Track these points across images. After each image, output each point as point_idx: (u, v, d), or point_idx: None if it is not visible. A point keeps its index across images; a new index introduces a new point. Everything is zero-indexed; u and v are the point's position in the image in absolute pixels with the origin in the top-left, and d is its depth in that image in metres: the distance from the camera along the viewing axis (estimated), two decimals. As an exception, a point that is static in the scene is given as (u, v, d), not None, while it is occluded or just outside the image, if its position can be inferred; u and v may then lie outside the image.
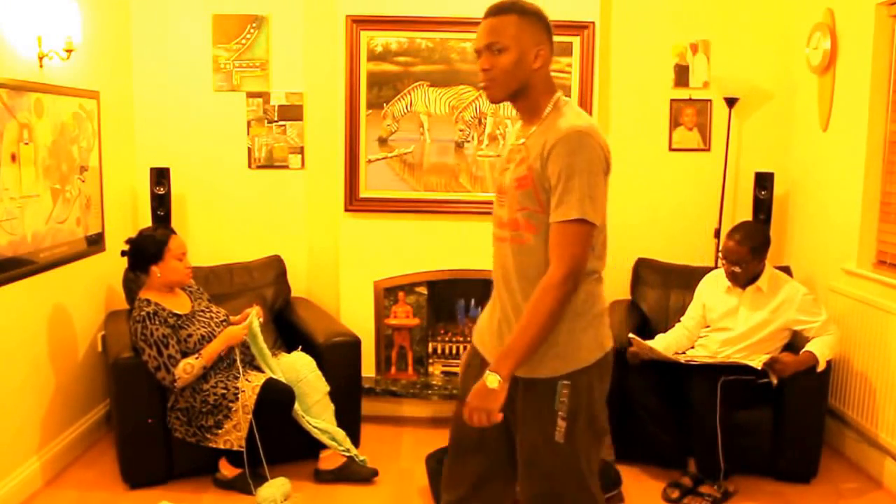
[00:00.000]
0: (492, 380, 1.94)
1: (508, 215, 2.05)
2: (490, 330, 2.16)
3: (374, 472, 3.45)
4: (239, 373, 3.34)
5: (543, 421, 2.03)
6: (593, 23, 4.06)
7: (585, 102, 4.07)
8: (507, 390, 1.95)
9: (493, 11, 2.02)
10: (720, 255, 3.61)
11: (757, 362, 3.35)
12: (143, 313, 3.26)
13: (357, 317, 4.18)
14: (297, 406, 3.35)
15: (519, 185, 2.01)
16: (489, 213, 2.19)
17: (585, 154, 1.93)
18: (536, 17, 2.02)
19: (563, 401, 2.02)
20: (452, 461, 2.28)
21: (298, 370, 3.48)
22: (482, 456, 2.21)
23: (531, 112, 2.06)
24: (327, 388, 3.51)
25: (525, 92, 2.03)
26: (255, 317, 3.43)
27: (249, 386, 3.26)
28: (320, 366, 3.55)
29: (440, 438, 2.76)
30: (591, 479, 2.11)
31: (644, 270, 4.25)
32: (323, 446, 3.43)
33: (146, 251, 3.36)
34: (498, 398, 1.95)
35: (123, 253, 3.43)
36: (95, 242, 3.85)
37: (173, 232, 3.50)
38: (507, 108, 4.07)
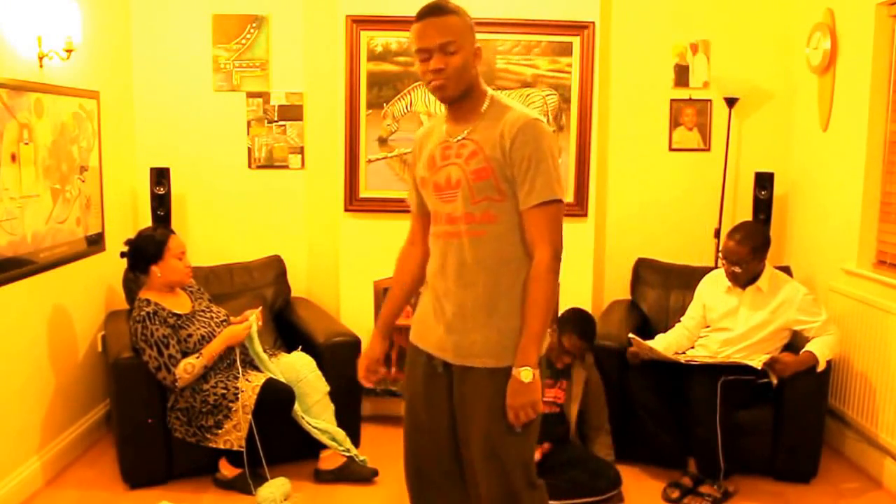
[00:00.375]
0: (526, 374, 2.01)
1: (463, 209, 2.08)
2: (442, 325, 2.16)
3: (374, 472, 3.45)
4: (239, 373, 3.34)
5: (504, 411, 2.06)
6: (593, 23, 4.05)
7: (585, 102, 4.07)
8: (539, 378, 2.04)
9: (436, 12, 2.04)
10: (720, 255, 3.61)
11: (757, 362, 3.35)
12: (142, 313, 3.26)
13: (357, 317, 4.17)
14: (296, 406, 3.35)
15: (478, 177, 2.05)
16: None
17: (546, 140, 2.04)
18: (467, 16, 2.09)
19: None
20: (421, 493, 2.30)
21: (298, 370, 3.48)
22: (449, 475, 2.25)
23: (469, 109, 2.11)
24: (327, 388, 3.51)
25: (470, 90, 2.09)
26: (254, 321, 3.42)
27: (249, 386, 3.26)
28: (320, 366, 3.55)
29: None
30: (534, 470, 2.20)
31: (644, 270, 4.25)
32: (323, 446, 3.43)
33: (146, 251, 3.36)
34: (536, 388, 2.03)
35: (123, 254, 3.43)
36: (95, 242, 3.85)
37: (172, 232, 3.50)
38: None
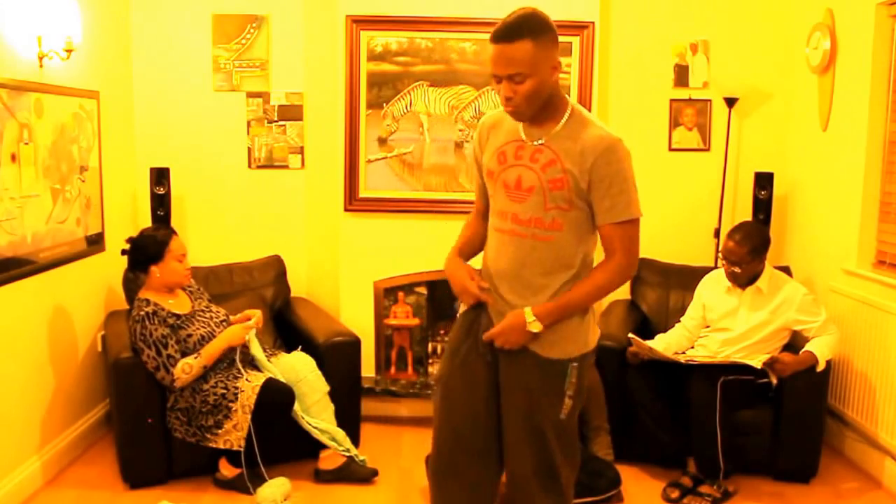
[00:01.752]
0: (536, 326, 2.13)
1: (531, 214, 2.14)
2: (495, 310, 2.22)
3: (374, 472, 3.45)
4: (239, 373, 3.34)
5: (553, 399, 2.17)
6: (593, 23, 4.06)
7: (585, 102, 4.07)
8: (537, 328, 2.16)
9: (506, 36, 2.01)
10: (720, 255, 3.61)
11: (757, 362, 3.35)
12: (141, 313, 3.26)
13: (357, 317, 4.18)
14: (296, 406, 3.35)
15: (554, 187, 2.10)
16: None
17: (628, 161, 2.11)
18: (546, 32, 2.05)
19: (573, 381, 2.18)
20: (448, 478, 2.32)
21: (298, 370, 3.48)
22: (480, 464, 2.29)
23: (547, 118, 2.14)
24: (327, 388, 3.51)
25: (547, 103, 2.12)
26: (252, 331, 3.42)
27: (249, 386, 3.26)
28: (320, 366, 3.55)
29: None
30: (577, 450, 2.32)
31: (644, 270, 4.24)
32: (323, 446, 3.43)
33: (146, 251, 3.36)
34: (529, 339, 2.15)
35: (124, 252, 3.43)
36: (95, 242, 3.85)
37: (174, 232, 3.50)
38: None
